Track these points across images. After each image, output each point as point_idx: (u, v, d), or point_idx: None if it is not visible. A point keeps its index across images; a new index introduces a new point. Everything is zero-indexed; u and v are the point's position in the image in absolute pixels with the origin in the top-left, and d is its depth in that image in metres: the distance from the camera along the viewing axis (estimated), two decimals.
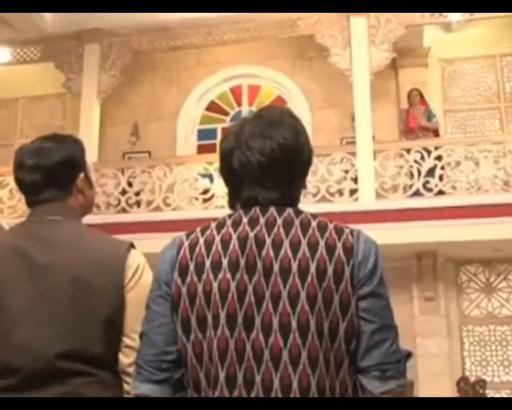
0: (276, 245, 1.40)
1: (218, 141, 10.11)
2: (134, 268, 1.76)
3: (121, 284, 1.73)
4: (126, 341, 1.73)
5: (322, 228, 1.43)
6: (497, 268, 9.02)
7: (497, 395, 8.49)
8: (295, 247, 1.39)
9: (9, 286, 1.72)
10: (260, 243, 1.41)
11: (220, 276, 1.39)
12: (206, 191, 8.43)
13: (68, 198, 1.86)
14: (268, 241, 1.41)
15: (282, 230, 1.42)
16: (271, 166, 1.47)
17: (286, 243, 1.40)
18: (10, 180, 8.67)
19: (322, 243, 1.40)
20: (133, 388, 1.48)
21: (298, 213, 1.47)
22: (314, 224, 1.44)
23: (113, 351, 1.72)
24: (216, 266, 1.40)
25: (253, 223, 1.44)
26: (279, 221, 1.43)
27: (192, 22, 8.69)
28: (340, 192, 7.98)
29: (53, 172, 1.83)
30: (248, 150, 1.48)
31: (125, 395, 1.71)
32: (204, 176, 8.62)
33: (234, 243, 1.42)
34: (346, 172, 8.03)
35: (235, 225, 1.45)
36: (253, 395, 1.33)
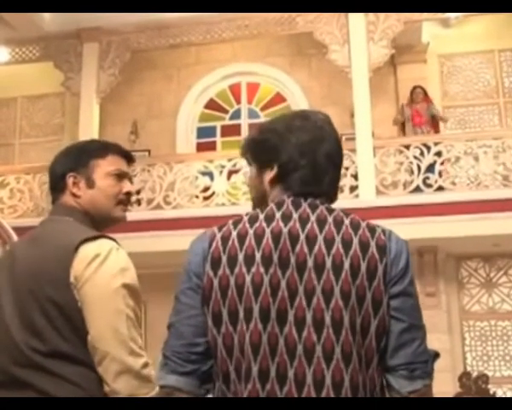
0: (310, 241, 1.41)
1: (217, 139, 10.14)
2: (88, 260, 1.74)
3: (68, 277, 1.72)
4: (88, 337, 1.72)
5: (355, 226, 1.45)
6: (498, 263, 9.02)
7: (499, 390, 8.50)
8: (329, 243, 1.40)
9: (2, 287, 1.82)
10: (294, 239, 1.41)
11: (253, 270, 1.39)
12: (206, 189, 8.43)
13: (60, 198, 1.96)
14: (302, 236, 1.41)
15: (315, 226, 1.43)
16: (338, 161, 1.56)
17: (320, 239, 1.41)
18: (11, 179, 8.68)
19: (355, 241, 1.41)
20: (159, 379, 1.47)
21: (330, 210, 1.48)
22: (347, 221, 1.45)
23: (80, 347, 1.71)
24: (249, 260, 1.40)
25: (286, 218, 1.45)
26: (312, 217, 1.45)
27: (191, 20, 8.69)
28: (341, 189, 7.97)
29: (52, 179, 1.99)
30: (329, 144, 1.53)
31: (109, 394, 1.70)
32: (204, 174, 8.62)
33: (267, 237, 1.42)
34: (347, 168, 8.03)
35: (268, 219, 1.45)
36: (285, 389, 1.34)
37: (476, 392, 7.53)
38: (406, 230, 7.47)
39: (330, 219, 1.45)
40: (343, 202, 7.71)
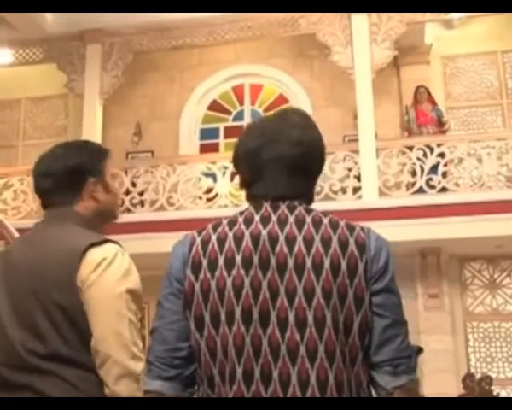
0: (290, 241, 1.41)
1: (220, 140, 10.15)
2: (95, 263, 1.74)
3: (75, 281, 1.72)
4: (91, 340, 1.72)
5: (334, 225, 1.45)
6: (501, 265, 9.01)
7: (503, 392, 8.49)
8: (309, 243, 1.41)
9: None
10: (273, 240, 1.42)
11: (234, 272, 1.40)
12: (209, 190, 8.44)
13: (75, 204, 1.90)
14: (281, 237, 1.42)
15: (294, 226, 1.44)
16: (300, 162, 1.51)
17: (299, 240, 1.41)
18: (14, 181, 8.69)
19: (334, 239, 1.42)
20: (144, 384, 1.49)
21: (308, 210, 1.49)
22: (326, 221, 1.46)
23: (85, 350, 1.72)
24: (229, 263, 1.41)
25: (264, 220, 1.46)
26: (291, 218, 1.45)
27: (193, 22, 8.70)
28: (344, 190, 7.98)
29: (59, 179, 1.90)
30: (280, 145, 1.51)
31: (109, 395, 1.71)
32: (207, 175, 8.63)
33: (247, 239, 1.43)
34: (349, 170, 8.03)
35: (247, 222, 1.46)
36: (270, 390, 1.35)
37: (480, 393, 7.52)
38: (409, 231, 7.52)
39: (309, 220, 1.45)
40: (346, 203, 7.72)
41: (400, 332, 1.44)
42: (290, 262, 1.39)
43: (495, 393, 7.88)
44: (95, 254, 1.75)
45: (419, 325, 8.44)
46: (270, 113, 1.66)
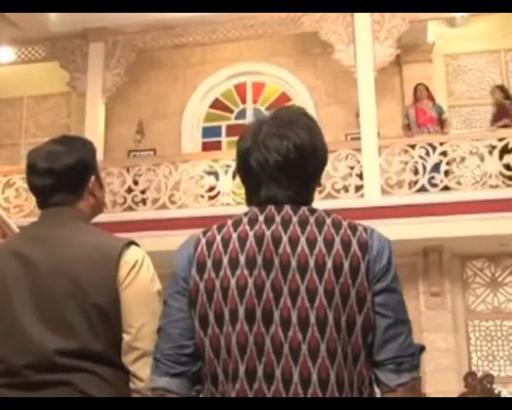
0: (293, 242, 1.43)
1: (222, 138, 10.17)
2: (131, 265, 1.77)
3: (114, 282, 1.74)
4: (123, 336, 1.75)
5: (337, 225, 1.47)
6: (503, 263, 9.01)
7: (504, 390, 8.49)
8: (311, 243, 1.43)
9: (11, 286, 1.77)
10: (277, 241, 1.44)
11: (238, 272, 1.42)
12: (211, 189, 8.45)
13: (78, 201, 1.88)
14: (284, 238, 1.44)
15: (297, 227, 1.45)
16: (288, 165, 1.50)
17: (302, 240, 1.43)
18: (17, 179, 8.71)
19: (337, 240, 1.43)
20: (151, 381, 1.50)
21: (312, 211, 1.50)
22: (329, 221, 1.47)
23: (114, 347, 1.74)
24: (233, 263, 1.43)
25: (268, 221, 1.47)
26: (294, 219, 1.47)
27: (196, 20, 8.71)
28: (346, 188, 7.99)
29: (63, 176, 1.85)
30: (265, 150, 1.51)
31: (132, 393, 1.73)
32: (209, 173, 8.64)
33: (250, 240, 1.45)
34: (352, 168, 8.04)
35: (252, 223, 1.48)
36: (272, 388, 1.37)
37: (481, 392, 7.53)
38: (411, 229, 7.53)
39: (312, 220, 1.47)
40: (348, 201, 7.73)
41: (403, 331, 1.46)
42: (293, 263, 1.41)
43: (496, 391, 7.90)
44: (128, 257, 1.78)
45: (421, 323, 8.45)
46: (273, 110, 1.65)
